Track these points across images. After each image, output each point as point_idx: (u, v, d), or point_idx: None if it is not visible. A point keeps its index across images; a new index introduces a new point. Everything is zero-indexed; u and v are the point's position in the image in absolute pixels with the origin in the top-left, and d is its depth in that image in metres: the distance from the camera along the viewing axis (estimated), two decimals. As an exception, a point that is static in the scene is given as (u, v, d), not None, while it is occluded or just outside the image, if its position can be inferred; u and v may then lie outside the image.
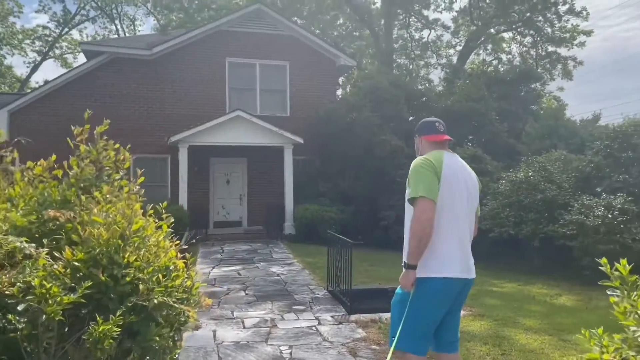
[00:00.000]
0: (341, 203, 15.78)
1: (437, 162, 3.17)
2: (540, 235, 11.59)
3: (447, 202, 3.15)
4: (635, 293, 1.76)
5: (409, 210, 3.27)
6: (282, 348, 5.37)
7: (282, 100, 18.20)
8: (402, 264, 3.20)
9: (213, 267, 10.63)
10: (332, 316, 6.72)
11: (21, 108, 15.82)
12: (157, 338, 2.38)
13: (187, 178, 15.72)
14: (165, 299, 2.34)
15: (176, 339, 2.73)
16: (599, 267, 1.99)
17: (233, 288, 8.51)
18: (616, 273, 1.91)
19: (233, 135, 15.79)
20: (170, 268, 2.57)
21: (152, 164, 17.17)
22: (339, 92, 19.57)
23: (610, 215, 10.08)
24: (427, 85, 21.55)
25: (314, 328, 6.15)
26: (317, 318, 6.62)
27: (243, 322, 6.37)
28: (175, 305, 2.42)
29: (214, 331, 5.96)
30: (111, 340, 2.08)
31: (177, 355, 2.91)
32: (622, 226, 9.92)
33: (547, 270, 11.63)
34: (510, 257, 12.94)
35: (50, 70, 34.24)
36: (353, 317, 6.66)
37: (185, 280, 2.72)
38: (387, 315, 6.73)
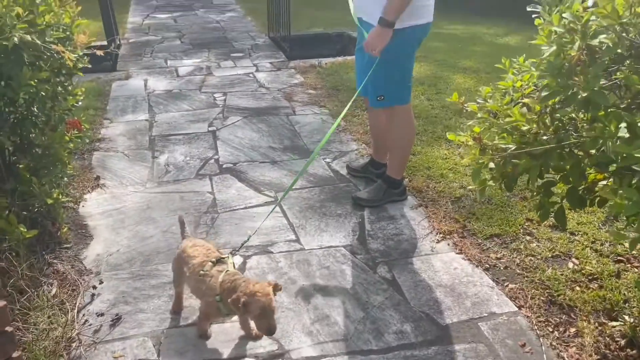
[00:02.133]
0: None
1: None
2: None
3: None
4: (557, 8, 1.52)
5: None
6: (216, 95, 5.23)
7: None
8: (378, 20, 2.69)
9: (147, 15, 9.82)
10: (270, 63, 6.48)
11: None
12: (34, 82, 2.10)
13: None
14: (29, 37, 1.98)
15: (67, 84, 2.45)
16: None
17: (168, 36, 7.98)
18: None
19: None
20: (37, 1, 2.14)
21: None
22: None
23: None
24: None
25: (251, 75, 5.96)
26: (255, 65, 6.38)
27: (177, 71, 6.09)
28: (43, 44, 2.07)
29: (146, 80, 5.70)
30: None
31: (79, 103, 2.67)
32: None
33: (501, 9, 11.31)
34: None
35: None
36: (292, 63, 6.45)
37: (62, 16, 2.31)
38: (327, 60, 6.55)
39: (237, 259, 2.71)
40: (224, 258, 2.11)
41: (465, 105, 1.89)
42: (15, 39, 1.92)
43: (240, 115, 4.70)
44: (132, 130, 4.32)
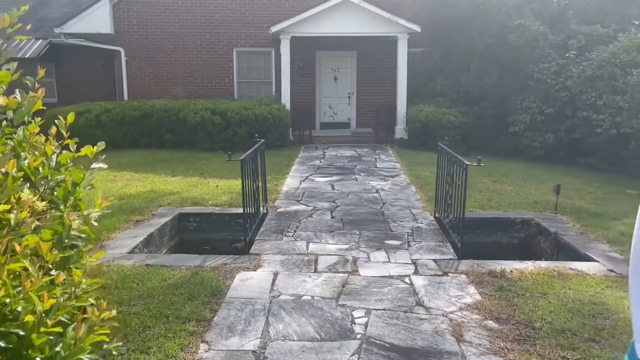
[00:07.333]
0: (463, 104, 13.36)
1: None
2: None
3: None
4: None
5: None
6: (355, 314, 3.85)
7: (397, -20, 15.44)
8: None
9: (306, 177, 9.29)
10: (434, 260, 5.02)
11: (122, -1, 15.03)
12: None
13: (289, 74, 14.23)
14: None
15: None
16: None
17: (320, 207, 7.09)
18: None
19: (339, 23, 13.74)
20: None
21: (254, 58, 15.89)
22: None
23: None
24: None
25: (407, 280, 4.54)
26: (413, 262, 4.97)
27: (316, 262, 4.93)
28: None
29: (275, 275, 4.60)
30: None
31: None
32: None
33: None
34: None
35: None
36: (463, 264, 4.90)
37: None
38: (513, 266, 4.88)
39: None
40: None
41: None
42: None
43: (383, 361, 3.20)
44: (228, 373, 3.06)
